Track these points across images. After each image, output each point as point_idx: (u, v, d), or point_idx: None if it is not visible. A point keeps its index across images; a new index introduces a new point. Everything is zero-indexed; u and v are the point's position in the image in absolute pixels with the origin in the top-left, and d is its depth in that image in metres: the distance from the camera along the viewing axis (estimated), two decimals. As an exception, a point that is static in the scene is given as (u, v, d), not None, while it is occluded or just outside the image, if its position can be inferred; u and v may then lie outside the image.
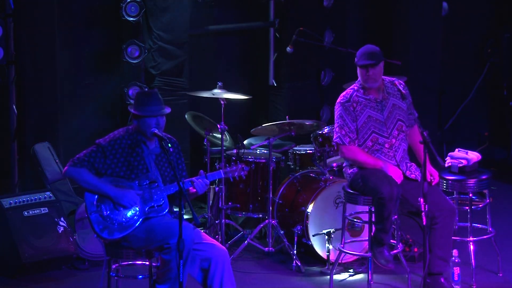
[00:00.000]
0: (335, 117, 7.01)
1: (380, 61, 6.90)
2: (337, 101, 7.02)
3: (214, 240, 6.28)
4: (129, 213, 6.15)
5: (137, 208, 6.16)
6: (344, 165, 7.14)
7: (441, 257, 6.87)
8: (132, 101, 8.42)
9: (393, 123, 6.98)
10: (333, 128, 7.85)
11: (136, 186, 6.19)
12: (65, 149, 8.34)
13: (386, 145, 6.95)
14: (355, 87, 7.02)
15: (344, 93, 7.03)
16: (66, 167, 6.18)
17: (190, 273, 6.11)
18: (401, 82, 7.06)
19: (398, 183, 6.79)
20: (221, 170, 6.43)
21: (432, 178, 6.88)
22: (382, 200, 6.67)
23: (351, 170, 7.02)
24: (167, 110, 6.26)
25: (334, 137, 7.00)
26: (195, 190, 6.25)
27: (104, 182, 6.15)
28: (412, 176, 6.97)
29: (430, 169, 6.92)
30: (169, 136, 6.32)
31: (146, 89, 8.42)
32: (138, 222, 6.14)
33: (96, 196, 6.16)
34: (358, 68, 6.96)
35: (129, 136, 6.25)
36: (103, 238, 6.15)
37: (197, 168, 6.83)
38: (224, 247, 6.27)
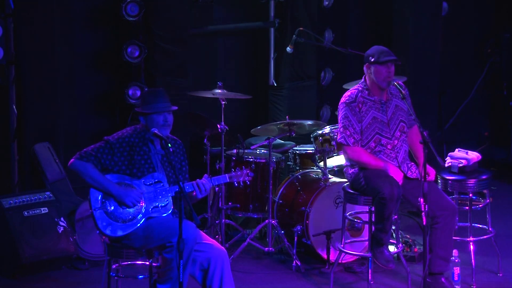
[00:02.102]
0: (340, 117, 6.98)
1: (397, 58, 6.92)
2: (342, 101, 6.98)
3: (214, 240, 6.28)
4: (133, 211, 6.15)
5: (142, 207, 6.16)
6: (345, 165, 7.14)
7: (442, 256, 6.88)
8: (132, 101, 8.47)
9: (396, 124, 6.98)
10: (333, 128, 7.90)
11: (141, 184, 6.19)
12: (65, 149, 8.34)
13: (389, 146, 6.95)
14: (359, 88, 6.99)
15: (348, 93, 6.99)
16: (72, 159, 6.17)
17: (191, 273, 6.11)
18: (400, 83, 7.05)
19: (400, 183, 6.79)
20: (226, 175, 6.42)
21: (427, 174, 6.85)
22: (383, 200, 6.67)
23: (352, 170, 7.01)
24: (174, 107, 6.27)
25: (338, 137, 6.97)
26: (194, 193, 6.25)
27: (108, 179, 6.14)
28: (414, 175, 6.96)
29: (427, 167, 6.90)
30: (174, 137, 6.33)
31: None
32: (142, 221, 6.14)
33: (101, 193, 6.16)
34: (375, 67, 6.88)
35: (137, 135, 6.26)
36: (105, 235, 6.14)
37: (197, 168, 6.84)
38: (223, 247, 6.26)
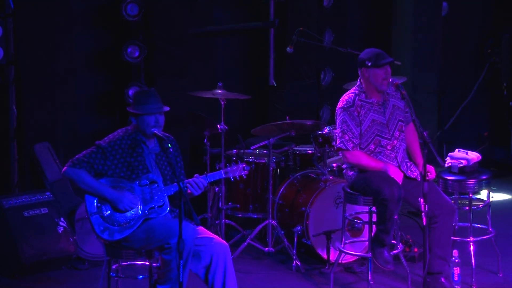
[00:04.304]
0: (337, 122, 6.96)
1: (393, 59, 6.92)
2: (339, 106, 6.96)
3: (214, 234, 6.26)
4: (130, 214, 6.14)
5: (138, 209, 6.15)
6: (344, 166, 7.14)
7: (440, 256, 6.87)
8: (132, 101, 8.45)
9: (395, 124, 6.97)
10: (333, 128, 7.89)
11: (136, 186, 6.18)
12: (65, 149, 8.34)
13: (388, 147, 6.94)
14: (356, 91, 6.97)
15: (345, 97, 6.97)
16: (65, 167, 6.16)
17: (192, 269, 6.10)
18: (398, 81, 7.04)
19: (400, 183, 6.79)
20: (221, 170, 6.40)
21: (428, 173, 6.86)
22: (385, 202, 6.66)
23: (352, 172, 7.01)
24: (166, 108, 6.25)
25: (337, 142, 6.96)
26: (190, 191, 6.24)
27: (103, 184, 6.13)
28: (414, 175, 6.96)
29: (427, 166, 6.89)
30: (167, 134, 6.30)
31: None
32: (139, 223, 6.13)
33: (97, 198, 6.15)
34: (373, 70, 6.86)
35: (129, 137, 6.24)
36: (103, 239, 6.13)
37: (197, 169, 6.83)
38: (224, 241, 6.23)
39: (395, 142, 6.97)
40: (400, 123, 6.99)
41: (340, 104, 6.96)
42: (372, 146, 6.94)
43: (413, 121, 6.88)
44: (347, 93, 7.02)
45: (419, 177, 6.90)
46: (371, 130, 6.92)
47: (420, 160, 6.67)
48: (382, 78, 6.86)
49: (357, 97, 6.92)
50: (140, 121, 6.19)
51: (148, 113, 6.16)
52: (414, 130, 6.87)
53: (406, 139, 7.07)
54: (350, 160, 6.95)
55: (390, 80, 7.00)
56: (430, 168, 6.91)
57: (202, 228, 6.26)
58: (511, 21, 11.09)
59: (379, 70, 6.86)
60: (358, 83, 6.99)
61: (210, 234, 6.22)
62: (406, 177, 6.95)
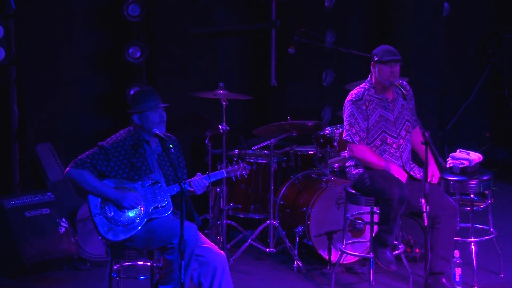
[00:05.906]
0: (345, 115, 6.98)
1: (401, 58, 6.92)
2: (348, 99, 6.99)
3: (213, 244, 6.26)
4: (133, 214, 6.14)
5: (141, 209, 6.15)
6: (347, 164, 7.13)
7: (443, 256, 6.87)
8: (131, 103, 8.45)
9: (402, 124, 6.98)
10: (335, 129, 7.89)
11: (139, 187, 6.18)
12: (67, 150, 8.34)
13: (394, 145, 6.95)
14: (366, 86, 6.99)
15: (355, 91, 7.00)
16: (68, 168, 6.16)
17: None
18: (405, 83, 7.06)
19: (404, 183, 6.79)
20: (223, 170, 6.42)
21: (432, 176, 6.87)
22: (390, 201, 6.66)
23: (356, 171, 7.00)
24: (165, 104, 6.26)
25: (344, 134, 6.98)
26: (193, 190, 6.25)
27: (106, 184, 6.13)
28: (418, 176, 6.96)
29: (432, 168, 6.90)
30: (168, 134, 6.30)
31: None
32: (142, 223, 6.13)
33: (100, 198, 6.15)
34: (379, 66, 6.89)
35: (131, 137, 6.24)
36: (107, 240, 6.13)
37: (198, 169, 6.82)
38: (222, 252, 6.24)
39: (401, 141, 6.97)
40: (407, 123, 7.01)
41: (349, 97, 6.98)
42: (378, 142, 6.95)
43: (415, 120, 6.89)
44: (357, 87, 7.05)
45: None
46: (377, 125, 6.93)
47: (429, 159, 6.67)
48: (387, 75, 6.88)
49: (366, 92, 6.95)
50: (144, 118, 6.19)
51: (152, 109, 6.16)
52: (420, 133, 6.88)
53: (412, 140, 7.07)
54: (355, 153, 6.95)
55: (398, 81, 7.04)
56: (435, 171, 6.92)
57: (202, 236, 6.25)
58: (513, 22, 11.11)
59: (384, 66, 6.88)
60: (368, 78, 7.02)
61: (208, 243, 6.21)
62: (410, 177, 6.95)
